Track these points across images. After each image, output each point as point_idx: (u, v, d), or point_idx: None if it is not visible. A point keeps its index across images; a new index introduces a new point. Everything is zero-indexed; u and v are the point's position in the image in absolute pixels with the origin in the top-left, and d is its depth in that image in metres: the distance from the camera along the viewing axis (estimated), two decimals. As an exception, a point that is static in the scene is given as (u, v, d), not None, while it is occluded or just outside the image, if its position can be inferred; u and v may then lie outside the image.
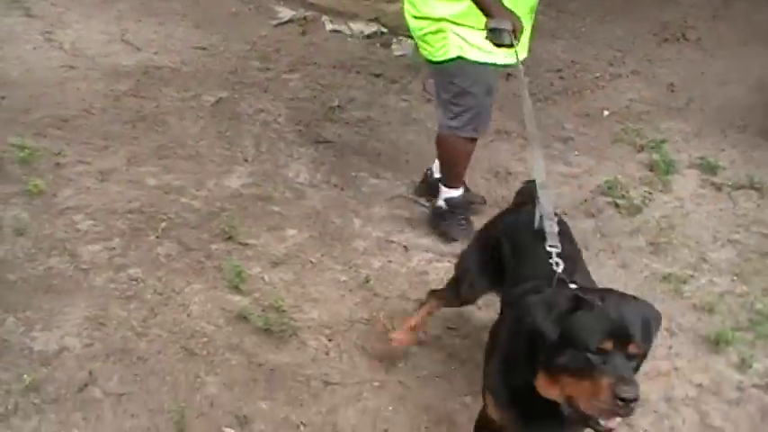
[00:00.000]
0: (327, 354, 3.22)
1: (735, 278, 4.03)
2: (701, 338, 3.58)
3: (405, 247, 3.99)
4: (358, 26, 6.78)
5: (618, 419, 1.97)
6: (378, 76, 6.12)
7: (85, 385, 2.89)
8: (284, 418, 2.88)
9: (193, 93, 5.32)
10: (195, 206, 4.04)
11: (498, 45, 3.23)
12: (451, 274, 3.15)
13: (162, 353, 3.08)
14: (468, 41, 3.49)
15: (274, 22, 6.71)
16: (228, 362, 3.09)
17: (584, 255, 2.85)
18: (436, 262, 3.88)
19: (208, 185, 4.24)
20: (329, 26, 6.75)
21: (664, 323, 3.38)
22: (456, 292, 3.03)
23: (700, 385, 3.31)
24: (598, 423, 1.97)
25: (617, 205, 4.60)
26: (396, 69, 6.28)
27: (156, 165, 4.38)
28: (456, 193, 4.09)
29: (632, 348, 1.96)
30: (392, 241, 4.02)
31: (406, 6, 3.70)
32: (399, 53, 6.56)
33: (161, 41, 6.08)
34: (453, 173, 4.05)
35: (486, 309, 3.57)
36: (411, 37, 6.23)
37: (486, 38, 3.24)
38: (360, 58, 6.39)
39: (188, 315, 3.30)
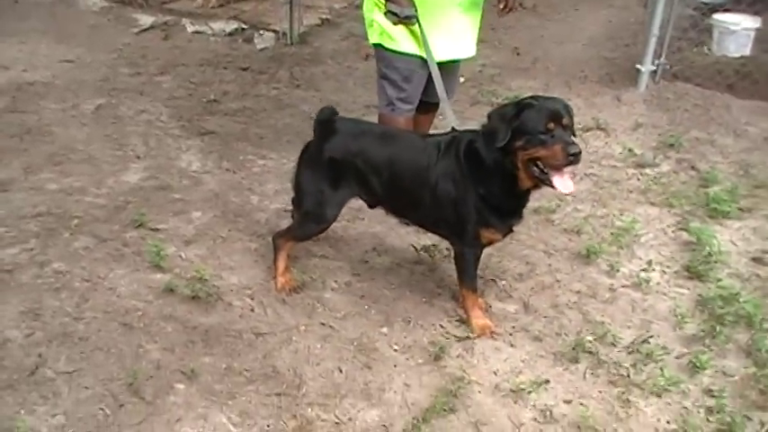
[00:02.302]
0: (253, 310, 3.51)
1: (595, 204, 4.57)
2: (573, 255, 4.09)
3: (302, 214, 4.31)
4: (218, 25, 7.04)
5: (570, 179, 3.04)
6: (245, 69, 6.41)
7: (36, 368, 3.06)
8: (227, 368, 3.16)
9: (71, 103, 5.46)
10: (101, 203, 4.23)
11: (395, 23, 3.80)
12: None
13: (102, 330, 3.29)
14: (387, 32, 3.89)
15: (136, 30, 6.89)
16: (165, 329, 3.34)
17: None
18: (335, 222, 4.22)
19: (108, 183, 4.44)
20: (190, 28, 6.98)
21: (541, 247, 3.90)
22: (318, 218, 3.47)
23: (579, 291, 3.80)
24: (549, 180, 3.02)
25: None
26: (261, 62, 6.59)
27: (52, 171, 4.53)
28: None
29: (565, 122, 3.00)
30: (289, 210, 4.33)
31: None
32: (262, 46, 6.88)
33: (27, 59, 6.15)
34: None
35: (386, 254, 3.97)
36: (272, 31, 6.60)
37: (386, 17, 3.79)
38: (225, 55, 6.65)
39: (118, 296, 3.52)
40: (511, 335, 3.47)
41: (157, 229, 4.03)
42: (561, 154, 2.95)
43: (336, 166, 3.40)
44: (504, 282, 3.81)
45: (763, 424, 3.03)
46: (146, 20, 7.01)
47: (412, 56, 3.93)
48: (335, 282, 3.73)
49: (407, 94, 4.06)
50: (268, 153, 4.99)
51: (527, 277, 3.85)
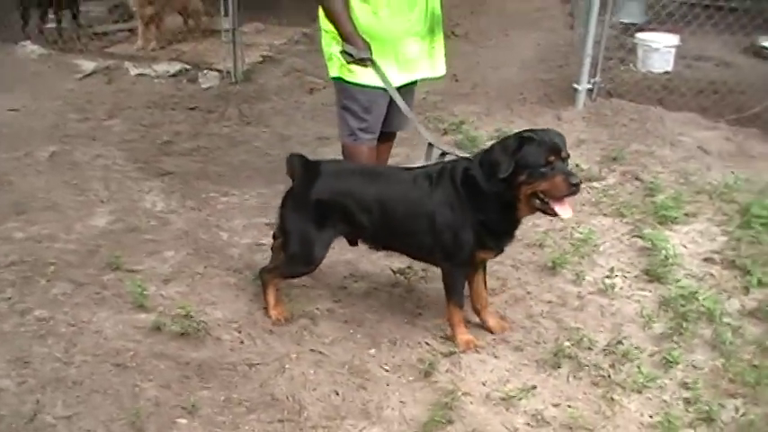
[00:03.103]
0: (242, 342, 3.58)
1: (552, 219, 4.75)
2: (540, 267, 4.28)
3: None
4: (161, 67, 7.09)
5: (569, 207, 3.19)
6: (193, 109, 6.49)
7: (35, 415, 3.07)
8: (226, 400, 3.21)
9: (24, 151, 5.44)
10: (72, 248, 4.24)
11: (349, 63, 3.94)
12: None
13: (94, 373, 3.31)
14: (346, 65, 4.01)
15: (78, 76, 6.89)
16: (158, 367, 3.37)
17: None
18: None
19: (76, 229, 4.45)
20: (133, 71, 7.01)
21: (508, 262, 4.07)
22: (306, 259, 3.57)
23: (550, 301, 3.98)
24: (551, 210, 3.17)
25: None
26: (208, 101, 6.67)
27: (16, 220, 4.52)
28: None
29: (563, 155, 3.15)
30: (261, 244, 4.43)
31: (323, 24, 4.13)
32: (207, 85, 6.96)
33: (-29, 110, 6.10)
34: None
35: (362, 280, 4.09)
36: (216, 70, 6.68)
37: (341, 56, 3.93)
38: (171, 96, 6.71)
39: (105, 338, 3.54)
40: (493, 347, 3.61)
41: (134, 270, 4.06)
42: (564, 185, 3.10)
43: (323, 208, 3.50)
44: (479, 297, 3.94)
45: (737, 409, 3.24)
46: (87, 65, 7.02)
47: (371, 87, 4.06)
48: (317, 309, 3.83)
49: (368, 123, 4.20)
50: (229, 190, 5.06)
51: (500, 291, 4.00)
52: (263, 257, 4.22)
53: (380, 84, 4.00)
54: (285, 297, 3.85)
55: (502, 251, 3.52)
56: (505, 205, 3.27)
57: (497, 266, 4.20)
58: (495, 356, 3.54)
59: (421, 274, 4.12)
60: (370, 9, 3.96)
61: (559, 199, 3.16)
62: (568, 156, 3.22)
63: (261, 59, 7.64)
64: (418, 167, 3.64)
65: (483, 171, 3.28)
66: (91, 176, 5.09)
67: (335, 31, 3.98)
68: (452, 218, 3.36)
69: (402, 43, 4.08)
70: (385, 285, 4.06)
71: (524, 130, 3.29)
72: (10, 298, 3.79)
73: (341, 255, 4.27)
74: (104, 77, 6.93)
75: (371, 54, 3.92)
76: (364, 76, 4.03)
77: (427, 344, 3.60)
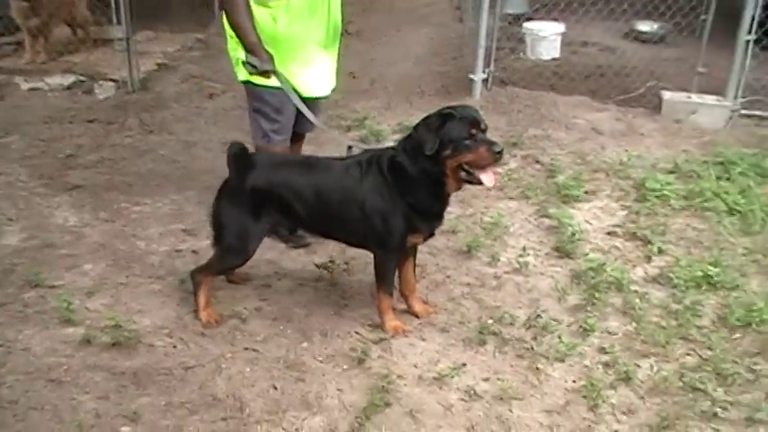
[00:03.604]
0: (175, 347, 3.62)
1: (462, 205, 4.97)
2: (456, 252, 4.47)
3: (194, 251, 4.44)
4: (54, 80, 6.97)
5: (493, 174, 3.35)
6: (92, 121, 6.41)
7: (-27, 435, 3.07)
8: (167, 404, 3.25)
9: None
10: (-14, 268, 4.19)
11: (251, 74, 4.02)
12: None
13: (29, 391, 3.29)
14: None
15: (-35, 92, 6.71)
16: (93, 379, 3.38)
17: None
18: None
19: (-13, 249, 4.38)
20: (25, 85, 6.87)
21: (425, 250, 4.23)
22: (241, 251, 3.65)
23: (468, 284, 4.17)
24: (476, 179, 3.33)
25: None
26: (106, 112, 6.60)
27: None
28: None
29: (483, 126, 3.35)
30: (180, 250, 4.46)
31: (229, 30, 4.13)
32: (104, 96, 6.89)
33: None
34: None
35: (286, 278, 4.19)
36: (111, 80, 6.63)
37: (244, 66, 4.00)
38: (67, 109, 6.61)
39: (35, 356, 3.52)
40: (420, 331, 3.77)
41: (55, 286, 4.03)
42: (488, 154, 3.29)
43: (259, 198, 3.58)
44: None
45: (651, 367, 3.51)
46: (-27, 81, 6.85)
47: (280, 89, 4.12)
48: (245, 309, 3.90)
49: (281, 125, 4.28)
50: (141, 199, 5.05)
51: (420, 277, 4.15)
52: (184, 263, 4.28)
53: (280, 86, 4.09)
54: (212, 299, 3.90)
55: (432, 234, 3.67)
56: (433, 183, 3.42)
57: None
58: (423, 339, 3.70)
59: (343, 267, 4.25)
60: (270, 15, 4.03)
61: (484, 168, 3.32)
62: (487, 127, 3.40)
63: (156, 67, 7.60)
64: (350, 157, 3.75)
65: (408, 153, 3.43)
66: (-5, 195, 4.99)
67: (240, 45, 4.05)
68: (382, 204, 3.50)
69: (310, 51, 4.18)
70: (309, 281, 4.17)
71: (444, 108, 3.43)
72: (-73, 323, 3.71)
73: (262, 254, 4.34)
74: (-6, 93, 6.78)
75: (274, 65, 3.98)
76: (272, 79, 4.11)
77: (357, 333, 3.73)
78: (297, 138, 4.56)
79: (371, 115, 6.44)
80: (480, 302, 3.99)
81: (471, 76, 6.71)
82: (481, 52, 6.63)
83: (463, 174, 3.36)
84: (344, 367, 3.50)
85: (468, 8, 7.98)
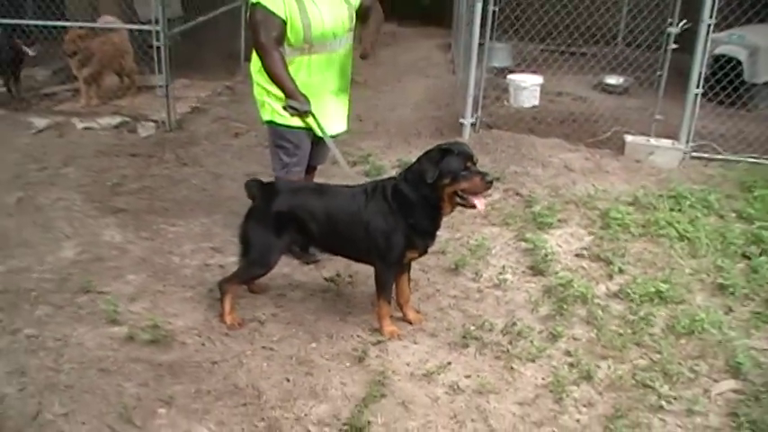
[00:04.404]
0: (204, 345, 3.77)
1: (450, 230, 5.12)
2: (445, 269, 4.61)
3: (221, 266, 4.60)
4: (104, 120, 7.18)
5: (484, 199, 3.59)
6: (135, 155, 6.58)
7: (37, 414, 3.19)
8: (197, 391, 3.40)
9: (-9, 199, 5.46)
10: (48, 277, 4.33)
11: (292, 116, 4.15)
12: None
13: (83, 378, 3.44)
14: (277, 110, 4.23)
15: (33, 131, 6.90)
16: (135, 369, 3.53)
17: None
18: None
19: (48, 261, 4.54)
20: (80, 125, 7.07)
21: (417, 267, 4.37)
22: (263, 262, 3.82)
23: (455, 296, 4.31)
24: (470, 203, 3.55)
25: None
26: (147, 147, 6.78)
27: (-5, 257, 4.58)
28: None
29: (475, 159, 3.58)
30: (209, 264, 4.62)
31: (252, 76, 4.34)
32: (145, 134, 7.07)
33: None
34: None
35: (298, 289, 4.34)
36: (152, 120, 6.83)
37: (285, 110, 4.13)
38: (115, 145, 6.79)
39: (87, 349, 3.67)
40: (413, 335, 3.91)
41: (104, 292, 4.18)
42: (481, 184, 3.53)
43: (281, 219, 3.76)
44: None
45: (609, 367, 3.65)
46: (39, 122, 7.01)
47: (298, 128, 4.29)
48: (263, 314, 4.05)
49: (299, 158, 4.43)
50: (176, 221, 5.21)
51: (413, 290, 4.28)
52: (212, 275, 4.43)
53: (304, 126, 4.26)
54: (236, 306, 4.05)
55: (425, 252, 3.84)
56: (430, 207, 3.62)
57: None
58: (416, 342, 3.85)
59: (348, 280, 4.40)
60: (293, 70, 4.16)
61: (477, 194, 3.55)
62: (477, 160, 3.64)
63: (190, 110, 7.78)
64: (357, 185, 3.93)
65: (410, 182, 3.62)
66: (54, 217, 5.16)
67: (270, 86, 4.19)
68: (384, 224, 3.67)
69: (324, 98, 4.32)
70: (318, 291, 4.32)
71: (442, 144, 3.67)
72: (1, 321, 3.86)
73: (279, 269, 4.48)
74: (55, 132, 6.94)
75: (311, 107, 4.14)
76: (292, 119, 4.27)
77: (359, 336, 3.87)
78: (310, 169, 4.72)
79: (375, 153, 6.61)
80: (464, 312, 4.13)
81: (461, 120, 6.89)
82: (470, 100, 6.82)
83: (458, 199, 3.56)
84: (347, 364, 3.64)
85: (460, 62, 8.17)
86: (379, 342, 3.81)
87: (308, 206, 3.78)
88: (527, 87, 8.13)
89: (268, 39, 4.01)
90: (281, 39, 4.08)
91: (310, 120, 4.18)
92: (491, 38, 7.22)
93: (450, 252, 4.78)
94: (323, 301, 4.22)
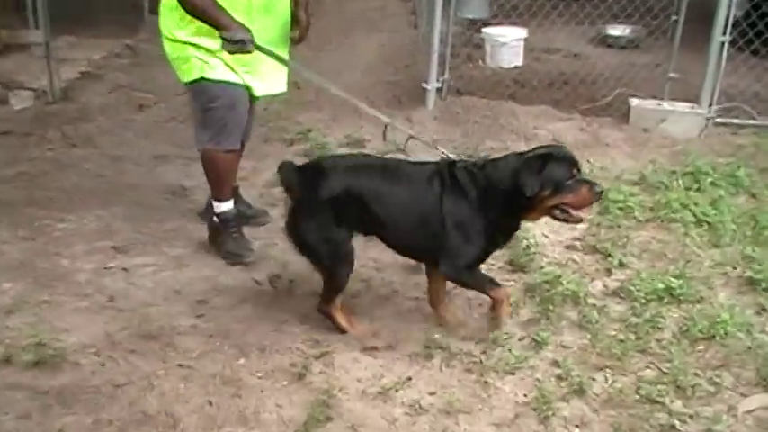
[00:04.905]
0: (104, 365, 3.87)
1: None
2: (404, 267, 4.74)
3: (124, 269, 4.72)
4: (-35, 89, 7.20)
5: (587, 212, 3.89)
6: (6, 133, 6.64)
7: None
8: (94, 422, 3.49)
9: None
10: None
11: (232, 53, 4.23)
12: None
13: (-52, 409, 3.55)
14: (208, 63, 4.37)
15: None
16: (14, 398, 3.61)
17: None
18: (161, 272, 4.68)
19: None
20: (-75, 96, 7.09)
21: (371, 264, 4.54)
22: (343, 261, 4.00)
23: (416, 298, 4.48)
24: (574, 218, 3.85)
25: (291, 191, 5.69)
26: (24, 124, 6.85)
27: None
28: (226, 206, 4.84)
29: (579, 166, 3.81)
30: (110, 267, 4.74)
31: (163, 30, 4.46)
32: (20, 107, 7.13)
33: None
34: (217, 186, 4.81)
35: (224, 294, 4.48)
36: (29, 89, 6.89)
37: (223, 48, 4.21)
38: (-21, 121, 6.84)
39: (-46, 376, 3.78)
40: (364, 346, 4.08)
41: (-30, 305, 4.27)
42: (589, 195, 3.79)
43: (338, 205, 3.89)
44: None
45: (606, 379, 3.84)
46: None
47: (234, 84, 4.46)
48: (180, 326, 4.18)
49: (234, 123, 4.58)
50: (64, 215, 5.30)
51: (365, 293, 4.47)
52: (113, 280, 4.55)
53: (241, 82, 4.44)
54: (143, 317, 4.18)
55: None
56: (518, 215, 3.96)
57: (361, 269, 4.66)
58: (369, 354, 4.01)
59: (286, 284, 4.55)
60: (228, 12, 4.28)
61: (584, 208, 3.84)
62: (581, 167, 3.91)
63: (79, 76, 7.84)
64: (428, 163, 4.10)
65: (500, 185, 3.84)
66: None
67: (196, 37, 4.34)
68: (468, 221, 3.90)
69: (256, 54, 4.41)
70: (248, 297, 4.47)
71: (539, 149, 4.00)
72: None
73: (198, 272, 4.64)
74: None
75: (253, 36, 4.23)
76: (226, 73, 4.42)
77: (297, 349, 4.03)
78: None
79: (317, 127, 6.78)
80: (427, 317, 4.30)
81: (424, 85, 7.09)
82: (435, 59, 7.00)
83: (558, 212, 3.84)
84: (284, 383, 3.79)
85: (423, 12, 8.35)
86: (322, 355, 3.96)
87: (371, 188, 3.93)
88: (507, 43, 8.35)
89: None
90: None
91: (227, 65, 4.34)
92: (461, -20, 7.41)
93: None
94: (254, 309, 4.37)
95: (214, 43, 4.31)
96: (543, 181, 3.72)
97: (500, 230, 3.97)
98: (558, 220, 3.90)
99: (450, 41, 7.22)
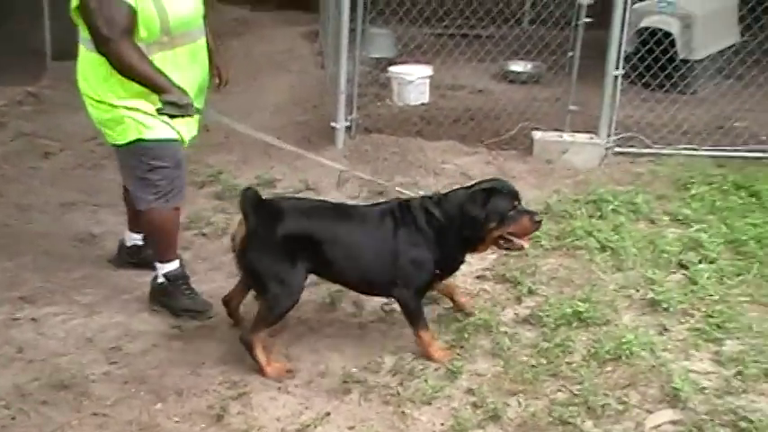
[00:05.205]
0: (14, 418, 3.79)
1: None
2: (318, 303, 4.82)
3: (33, 319, 4.66)
4: None
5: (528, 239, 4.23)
6: None
7: None
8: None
9: None
10: None
11: (172, 117, 4.15)
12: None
13: None
14: (144, 123, 4.28)
15: None
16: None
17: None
18: (71, 320, 4.63)
19: None
20: None
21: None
22: (288, 293, 4.12)
23: (331, 335, 4.54)
24: (516, 246, 4.19)
25: (204, 234, 5.72)
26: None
27: None
28: (173, 265, 4.75)
29: (520, 198, 4.15)
30: (17, 318, 4.67)
31: (86, 91, 4.34)
32: None
33: None
34: (165, 246, 4.72)
35: (137, 339, 4.45)
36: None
37: (160, 112, 4.10)
38: None
39: None
40: (281, 383, 4.11)
41: None
42: (530, 225, 4.14)
43: (292, 244, 4.05)
44: (260, 340, 4.43)
45: (520, 404, 3.95)
46: None
47: (174, 141, 4.41)
48: (93, 374, 4.15)
49: (181, 179, 4.55)
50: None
51: (279, 333, 4.48)
52: (21, 332, 4.50)
53: (177, 136, 4.42)
54: (53, 367, 4.15)
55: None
56: (466, 246, 4.24)
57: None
58: (287, 392, 4.04)
59: (198, 325, 4.56)
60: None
61: (525, 236, 4.16)
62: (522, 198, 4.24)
63: (-22, 123, 7.74)
64: (379, 204, 4.47)
65: (448, 219, 4.13)
66: None
67: (128, 99, 4.25)
68: (417, 254, 4.16)
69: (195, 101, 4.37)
70: (163, 340, 4.46)
71: (482, 183, 4.32)
72: None
73: (110, 317, 4.62)
74: None
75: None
76: (164, 131, 4.35)
77: (215, 390, 4.04)
78: None
79: (227, 169, 6.80)
80: (343, 352, 4.36)
81: (333, 124, 7.16)
82: (342, 99, 7.09)
83: (502, 242, 4.16)
84: (202, 426, 3.80)
85: (330, 53, 8.46)
86: (240, 395, 3.98)
87: (325, 229, 4.15)
88: (413, 81, 8.49)
89: (112, 29, 4.00)
90: (131, 30, 4.08)
91: (166, 131, 4.34)
92: (366, 21, 7.53)
93: (323, 282, 4.98)
94: (169, 352, 4.37)
95: (148, 105, 4.24)
96: (488, 213, 4.02)
97: (448, 263, 4.26)
98: (503, 248, 4.24)
99: (357, 81, 7.32)
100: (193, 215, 5.89)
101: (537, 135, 7.10)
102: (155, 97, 4.13)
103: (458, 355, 4.32)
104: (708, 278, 5.04)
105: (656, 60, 7.99)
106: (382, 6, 8.44)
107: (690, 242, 5.51)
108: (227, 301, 4.47)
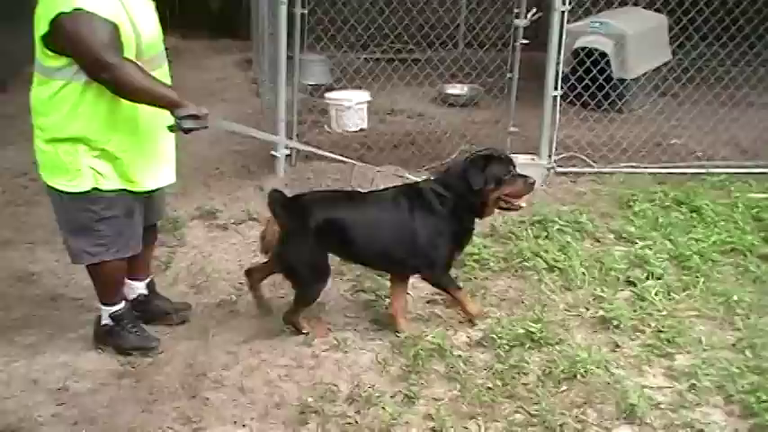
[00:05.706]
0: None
1: (272, 286, 5.32)
2: (269, 335, 4.81)
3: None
4: None
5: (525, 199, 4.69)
6: None
7: None
8: None
9: None
10: None
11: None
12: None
13: None
14: (102, 174, 4.12)
15: None
16: None
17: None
18: (13, 362, 4.55)
19: None
20: None
21: (237, 338, 4.55)
22: (319, 278, 4.67)
23: (286, 365, 4.53)
24: (515, 206, 4.67)
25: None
26: None
27: None
28: (119, 306, 4.62)
29: (515, 163, 4.63)
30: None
31: (44, 129, 4.09)
32: None
33: None
34: (109, 292, 4.59)
35: (84, 379, 4.40)
36: None
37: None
38: None
39: None
40: (235, 416, 4.10)
41: None
42: (525, 187, 4.58)
43: (322, 233, 4.50)
44: (213, 373, 4.41)
45: (479, 427, 4.00)
46: None
47: (126, 191, 4.25)
48: (40, 416, 4.09)
49: (132, 229, 4.39)
50: None
51: (233, 365, 4.48)
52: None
53: (125, 186, 4.24)
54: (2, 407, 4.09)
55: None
56: (472, 211, 4.67)
57: (227, 343, 4.70)
58: (243, 426, 4.03)
59: (149, 362, 4.52)
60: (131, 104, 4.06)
61: (521, 197, 4.61)
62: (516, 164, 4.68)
63: None
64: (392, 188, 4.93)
65: (452, 188, 4.60)
66: None
67: (102, 134, 4.07)
68: (435, 231, 4.62)
69: (158, 138, 4.33)
70: (111, 380, 4.40)
71: (481, 150, 4.77)
72: None
73: (54, 358, 4.56)
74: None
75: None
76: (117, 182, 4.21)
77: (169, 428, 4.00)
78: (151, 231, 4.79)
79: (166, 202, 6.72)
80: (299, 383, 4.36)
81: (273, 152, 7.18)
82: (282, 126, 7.12)
83: (502, 203, 4.61)
84: (157, 464, 3.77)
85: (265, 81, 8.49)
86: (195, 431, 3.95)
87: (349, 217, 4.60)
88: (351, 107, 8.59)
89: (110, 53, 3.81)
90: (122, 49, 3.91)
91: (112, 183, 4.21)
92: (302, 49, 7.58)
93: (274, 313, 4.99)
94: (119, 391, 4.32)
95: (105, 138, 4.10)
96: (487, 177, 4.47)
97: (462, 232, 4.70)
98: (503, 209, 4.73)
99: (295, 108, 7.34)
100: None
101: (476, 158, 7.17)
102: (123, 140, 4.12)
103: (413, 381, 4.34)
104: (655, 294, 5.18)
105: (594, 80, 8.16)
106: (318, 33, 8.47)
107: (636, 259, 5.66)
108: (249, 272, 4.98)
